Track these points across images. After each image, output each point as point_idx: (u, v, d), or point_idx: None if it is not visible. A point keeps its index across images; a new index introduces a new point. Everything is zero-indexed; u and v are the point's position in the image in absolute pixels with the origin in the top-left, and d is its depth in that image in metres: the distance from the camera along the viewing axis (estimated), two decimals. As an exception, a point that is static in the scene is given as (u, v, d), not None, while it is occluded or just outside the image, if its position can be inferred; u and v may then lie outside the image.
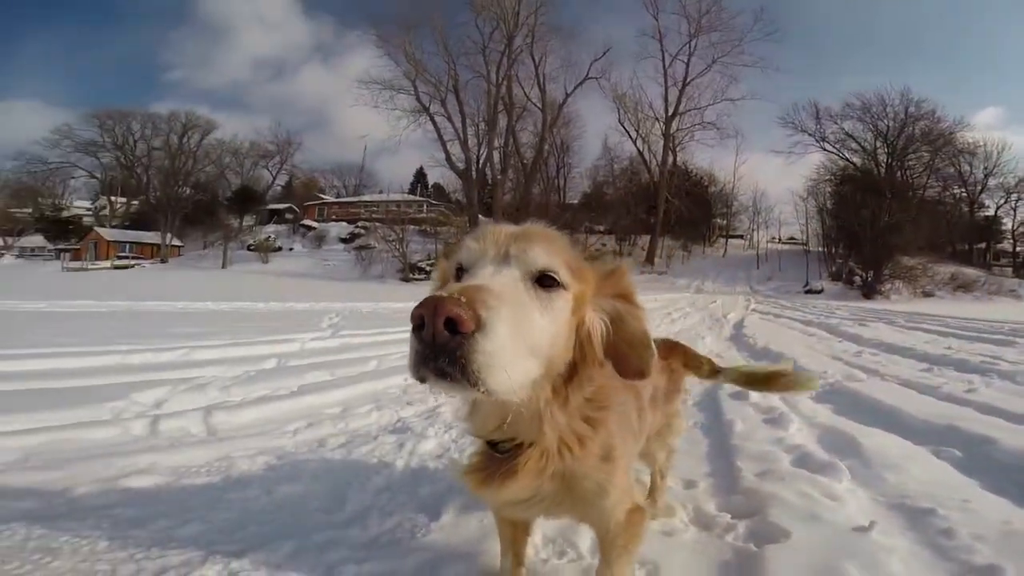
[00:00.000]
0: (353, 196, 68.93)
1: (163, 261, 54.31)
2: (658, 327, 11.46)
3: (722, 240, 59.30)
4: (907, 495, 2.19)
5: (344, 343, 7.27)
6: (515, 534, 1.57)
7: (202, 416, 3.31)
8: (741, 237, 61.40)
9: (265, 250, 54.25)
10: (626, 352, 1.20)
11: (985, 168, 52.05)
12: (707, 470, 2.65)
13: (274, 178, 73.26)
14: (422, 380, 0.92)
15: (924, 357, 6.69)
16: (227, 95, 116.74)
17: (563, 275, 1.08)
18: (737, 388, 4.35)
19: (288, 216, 65.06)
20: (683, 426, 2.23)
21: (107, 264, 48.77)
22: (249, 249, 55.51)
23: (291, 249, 57.46)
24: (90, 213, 64.09)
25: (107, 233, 55.91)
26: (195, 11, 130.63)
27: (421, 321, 0.87)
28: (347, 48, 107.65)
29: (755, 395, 4.10)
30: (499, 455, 1.22)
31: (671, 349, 2.05)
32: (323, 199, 68.06)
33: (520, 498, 1.25)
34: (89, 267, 46.52)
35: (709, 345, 8.24)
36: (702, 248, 57.06)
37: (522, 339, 0.97)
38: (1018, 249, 52.92)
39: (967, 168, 52.18)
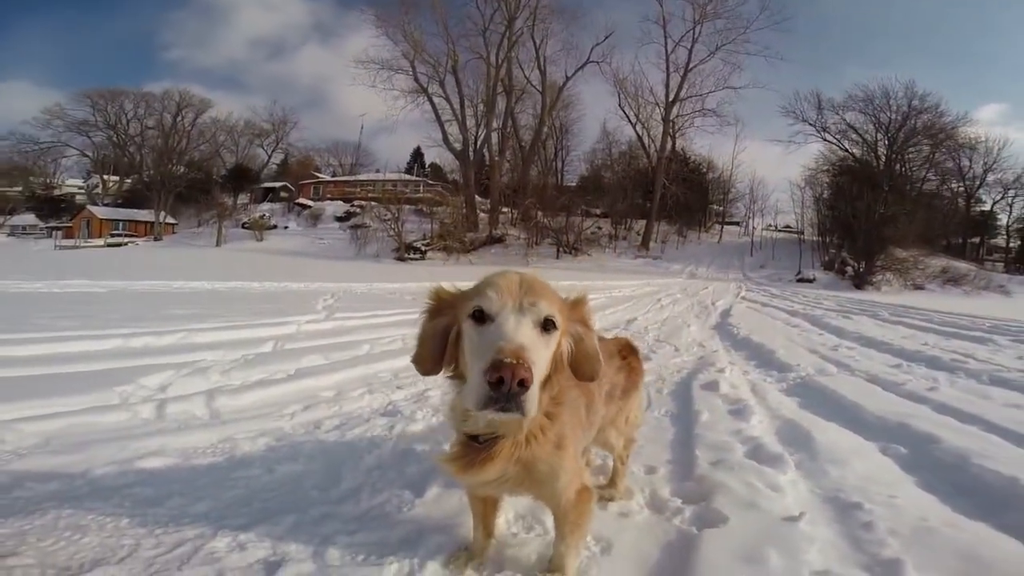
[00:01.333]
0: (349, 175, 68.65)
1: (157, 239, 54.21)
2: (646, 314, 11.73)
3: (718, 226, 59.48)
4: (842, 489, 2.39)
5: (338, 326, 7.46)
6: (485, 510, 1.82)
7: (205, 400, 3.52)
8: (737, 224, 61.67)
9: (260, 228, 54.17)
10: (582, 363, 1.56)
11: (984, 163, 52.48)
12: (668, 457, 2.87)
13: (269, 157, 73.15)
14: (483, 410, 1.27)
15: (899, 352, 6.90)
16: (224, 74, 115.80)
17: (557, 319, 1.43)
18: (709, 379, 4.64)
19: (283, 194, 64.86)
20: (641, 419, 2.48)
21: (100, 242, 48.67)
22: (244, 227, 55.41)
23: (286, 227, 57.40)
24: (82, 191, 63.85)
25: (100, 211, 55.74)
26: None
27: (501, 380, 1.21)
28: (346, 28, 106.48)
29: (725, 387, 4.36)
30: (478, 445, 1.52)
31: (632, 351, 2.28)
32: (319, 178, 67.76)
33: (491, 479, 1.54)
34: (82, 245, 46.37)
35: (694, 334, 8.47)
36: (697, 234, 57.25)
37: (540, 374, 1.35)
38: (1011, 245, 53.43)
39: (966, 163, 52.58)
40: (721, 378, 4.64)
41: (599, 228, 52.44)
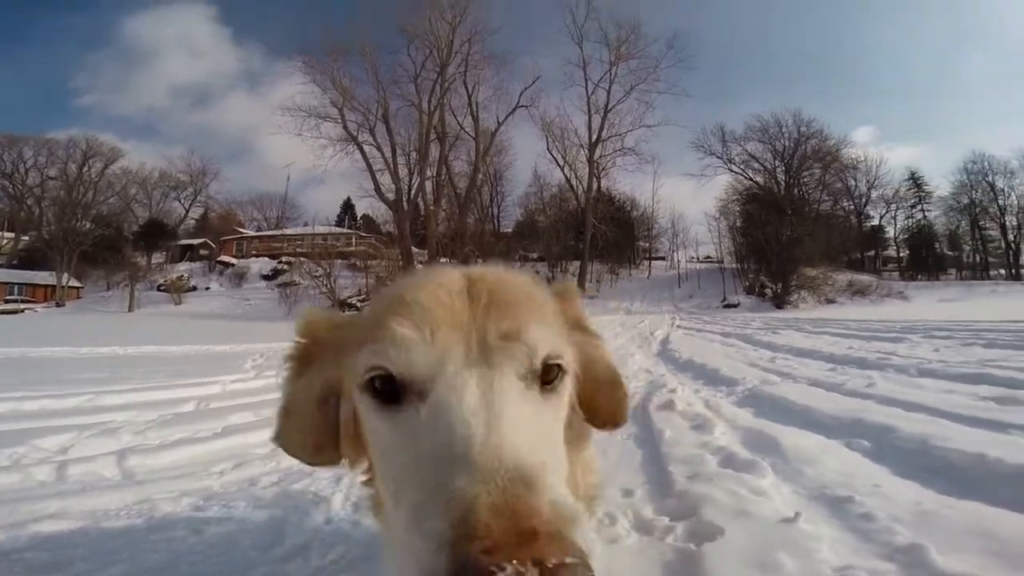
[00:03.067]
0: (276, 229, 66.17)
1: (59, 304, 49.28)
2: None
3: (646, 262, 61.84)
4: (826, 485, 2.34)
5: (269, 383, 6.90)
6: None
7: (116, 460, 3.10)
8: (663, 259, 64.33)
9: (178, 290, 50.74)
10: (596, 395, 0.96)
11: (867, 181, 58.03)
12: (643, 478, 2.75)
13: (187, 211, 69.28)
14: None
15: (830, 358, 7.26)
16: (141, 123, 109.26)
17: (565, 355, 0.78)
18: (663, 400, 4.60)
19: (203, 252, 61.44)
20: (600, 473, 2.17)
21: (-9, 309, 43.78)
22: (160, 289, 51.79)
23: (207, 288, 54.11)
24: (-30, 250, 57.51)
25: (-9, 273, 50.22)
26: (116, 35, 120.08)
27: None
28: (275, 76, 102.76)
29: (681, 405, 4.33)
30: None
31: None
32: (242, 233, 64.86)
33: None
34: (-31, 313, 41.59)
35: (640, 362, 8.54)
36: (628, 271, 59.18)
37: (559, 473, 0.68)
38: (901, 255, 59.07)
39: (853, 182, 57.93)
40: (675, 397, 4.62)
41: (537, 272, 53.00)
